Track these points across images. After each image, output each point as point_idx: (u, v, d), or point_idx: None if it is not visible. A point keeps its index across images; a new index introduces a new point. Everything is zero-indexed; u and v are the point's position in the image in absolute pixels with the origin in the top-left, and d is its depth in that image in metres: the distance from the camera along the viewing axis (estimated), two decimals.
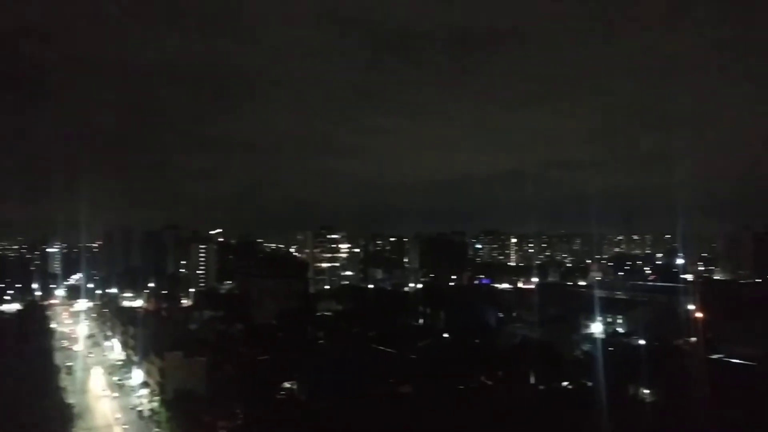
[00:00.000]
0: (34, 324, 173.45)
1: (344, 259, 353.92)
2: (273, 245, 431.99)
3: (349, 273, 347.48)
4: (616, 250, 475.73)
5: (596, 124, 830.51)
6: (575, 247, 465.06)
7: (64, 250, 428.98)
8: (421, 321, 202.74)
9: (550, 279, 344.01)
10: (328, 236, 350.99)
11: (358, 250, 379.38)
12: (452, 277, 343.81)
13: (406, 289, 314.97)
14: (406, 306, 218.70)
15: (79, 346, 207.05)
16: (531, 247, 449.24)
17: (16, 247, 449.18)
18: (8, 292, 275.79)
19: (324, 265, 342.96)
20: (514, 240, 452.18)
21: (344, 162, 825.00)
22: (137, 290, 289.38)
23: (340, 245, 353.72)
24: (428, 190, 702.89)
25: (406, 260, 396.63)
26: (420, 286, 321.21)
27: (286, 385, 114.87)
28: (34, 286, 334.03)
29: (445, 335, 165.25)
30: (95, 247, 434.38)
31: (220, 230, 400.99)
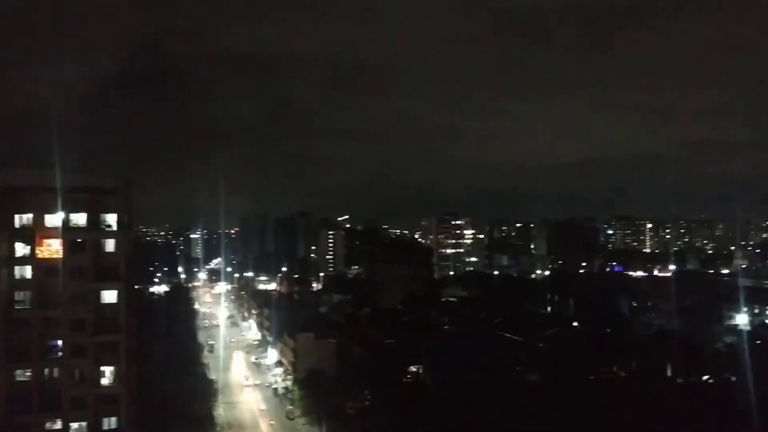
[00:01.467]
0: (180, 305, 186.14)
1: (468, 245, 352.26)
2: (397, 231, 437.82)
3: (473, 259, 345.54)
4: (765, 236, 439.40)
5: (735, 102, 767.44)
6: (717, 233, 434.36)
7: (205, 236, 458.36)
8: (548, 309, 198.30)
9: (689, 266, 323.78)
10: (453, 222, 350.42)
11: (482, 236, 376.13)
12: (582, 264, 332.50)
13: (532, 276, 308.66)
14: (533, 293, 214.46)
15: (220, 326, 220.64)
16: (668, 233, 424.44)
17: (163, 233, 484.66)
18: (157, 275, 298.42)
19: (448, 251, 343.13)
20: (649, 225, 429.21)
21: (469, 147, 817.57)
22: (271, 274, 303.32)
23: (464, 231, 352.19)
24: (555, 174, 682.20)
25: (532, 246, 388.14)
26: (547, 273, 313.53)
27: (412, 368, 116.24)
28: (179, 269, 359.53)
29: (575, 324, 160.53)
30: (233, 233, 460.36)
31: (347, 216, 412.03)
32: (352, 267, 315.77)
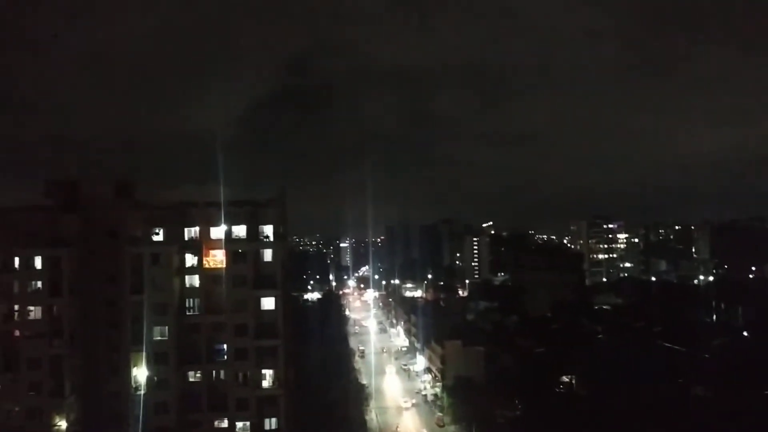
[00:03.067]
0: (332, 311, 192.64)
1: (622, 249, 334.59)
2: (544, 237, 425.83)
3: (627, 264, 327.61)
4: None
5: None
6: None
7: (353, 245, 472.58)
8: (714, 317, 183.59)
9: None
10: (604, 226, 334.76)
11: (637, 239, 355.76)
12: (750, 268, 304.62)
13: (694, 281, 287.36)
14: (695, 300, 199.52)
15: (369, 332, 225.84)
16: None
17: (314, 243, 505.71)
18: (310, 282, 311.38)
19: (600, 256, 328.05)
20: None
21: (620, 146, 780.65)
22: (417, 281, 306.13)
23: (617, 235, 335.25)
24: (718, 171, 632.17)
25: (693, 250, 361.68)
26: (711, 278, 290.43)
27: (565, 378, 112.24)
28: (330, 277, 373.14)
29: (745, 333, 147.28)
30: (379, 242, 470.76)
31: (491, 223, 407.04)
32: (498, 274, 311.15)
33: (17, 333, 67.57)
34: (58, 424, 66.20)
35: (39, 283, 67.07)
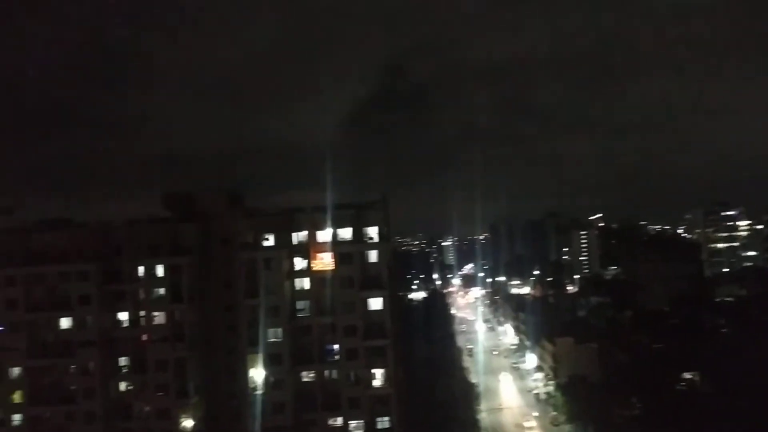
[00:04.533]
0: (438, 310, 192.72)
1: (744, 237, 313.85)
2: (657, 227, 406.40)
3: (751, 253, 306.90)
4: None
5: None
6: None
7: (457, 243, 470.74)
8: None
9: None
10: (723, 213, 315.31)
11: (761, 226, 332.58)
12: None
13: None
14: None
15: (476, 331, 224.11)
16: None
17: (417, 242, 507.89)
18: (414, 282, 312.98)
19: (719, 245, 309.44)
20: None
21: (732, 127, 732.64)
22: (523, 277, 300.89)
23: (737, 222, 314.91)
24: None
25: None
26: None
27: (686, 375, 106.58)
28: (434, 276, 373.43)
29: None
30: (482, 239, 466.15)
31: (600, 215, 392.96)
32: (609, 267, 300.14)
33: (144, 337, 72.03)
34: (184, 423, 69.95)
35: (162, 290, 71.15)
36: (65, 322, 72.31)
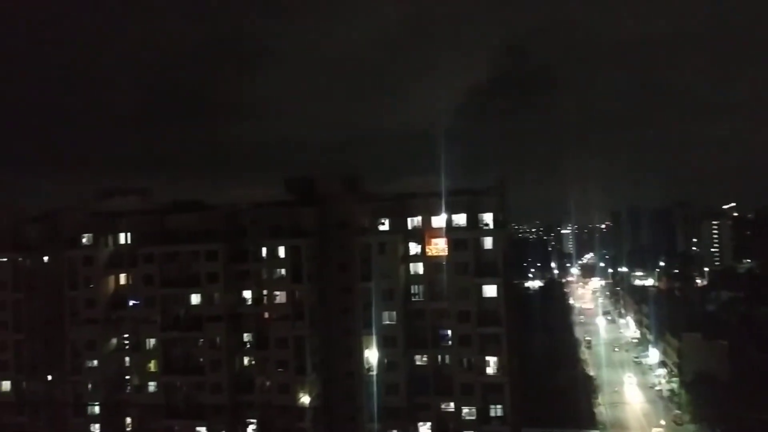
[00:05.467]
0: (555, 300, 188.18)
1: None
2: None
3: None
4: None
5: None
6: None
7: (576, 231, 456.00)
8: None
9: None
10: None
11: None
12: None
13: None
14: None
15: (595, 322, 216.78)
16: None
17: (534, 229, 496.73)
18: (531, 270, 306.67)
19: None
20: None
21: None
22: (647, 269, 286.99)
23: None
24: None
25: None
26: None
27: None
28: (552, 265, 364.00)
29: None
30: (604, 228, 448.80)
31: (733, 204, 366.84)
32: (743, 260, 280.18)
33: (266, 315, 75.48)
34: (303, 399, 72.80)
35: (282, 271, 74.14)
36: (195, 298, 77.18)
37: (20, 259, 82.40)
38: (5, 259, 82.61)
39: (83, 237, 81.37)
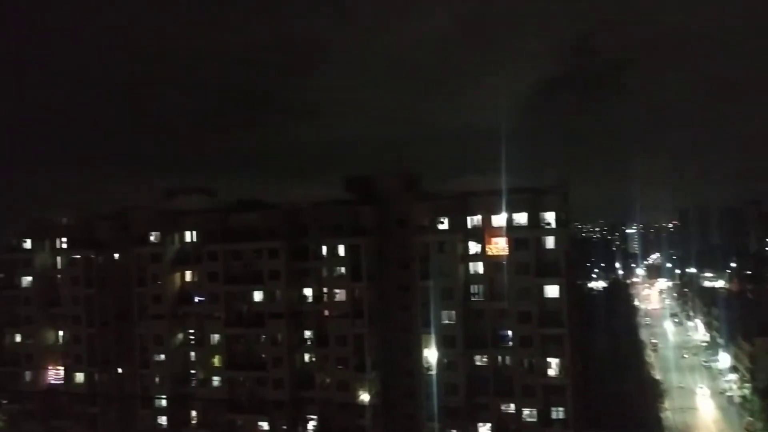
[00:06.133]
0: (619, 301, 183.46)
1: None
2: None
3: None
4: None
5: None
6: None
7: (642, 231, 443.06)
8: None
9: None
10: None
11: None
12: None
13: None
14: None
15: (662, 325, 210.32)
16: None
17: (597, 229, 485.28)
18: (594, 270, 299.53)
19: None
20: None
21: None
22: (717, 270, 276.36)
23: None
24: None
25: None
26: None
27: None
28: (616, 265, 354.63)
29: None
30: (671, 227, 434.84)
31: None
32: None
33: (326, 312, 76.23)
34: (362, 396, 73.17)
35: (342, 269, 74.71)
36: (257, 295, 78.63)
37: (92, 256, 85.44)
38: (78, 256, 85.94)
39: (151, 235, 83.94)
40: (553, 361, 69.27)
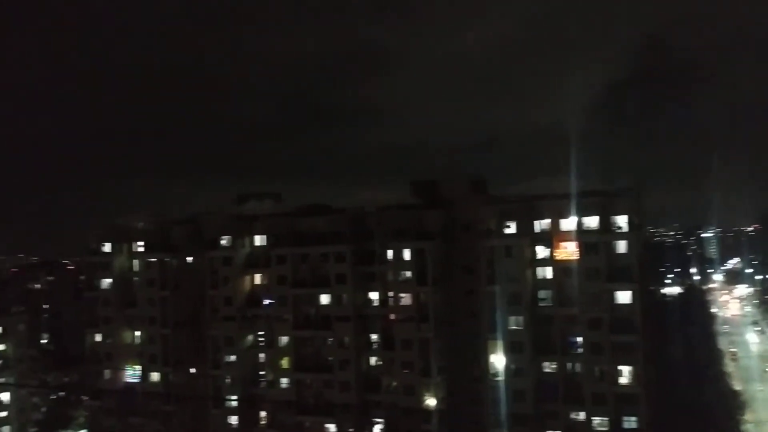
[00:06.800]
0: (695, 308, 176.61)
1: None
2: None
3: None
4: None
5: None
6: None
7: (719, 235, 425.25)
8: None
9: None
10: None
11: None
12: None
13: None
14: None
15: (742, 333, 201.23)
16: None
17: (672, 233, 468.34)
18: (668, 276, 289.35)
19: None
20: None
21: None
22: None
23: None
24: None
25: None
26: None
27: None
28: (692, 270, 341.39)
29: None
30: (751, 231, 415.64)
31: None
32: None
33: (392, 316, 76.44)
34: (428, 401, 72.96)
35: (408, 273, 74.80)
36: (324, 299, 79.68)
37: (167, 259, 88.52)
38: (154, 260, 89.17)
39: (222, 239, 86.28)
40: (625, 369, 67.36)
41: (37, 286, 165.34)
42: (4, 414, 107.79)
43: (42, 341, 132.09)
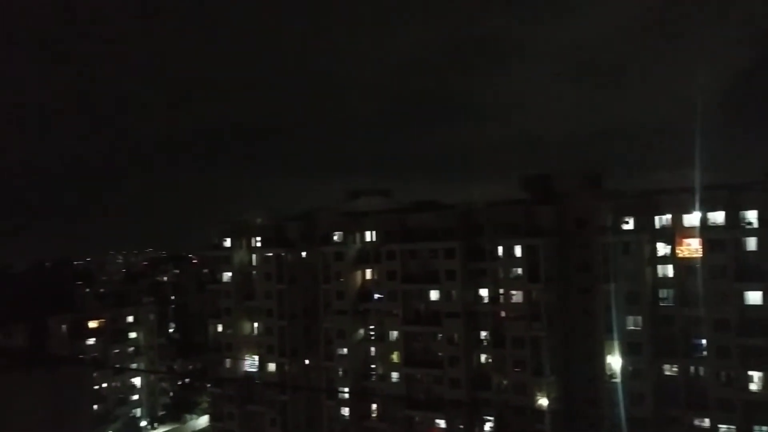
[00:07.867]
0: None
1: None
2: None
3: None
4: None
5: None
6: None
7: None
8: None
9: None
10: None
11: None
12: None
13: None
14: None
15: None
16: None
17: None
18: None
19: None
20: None
21: None
22: None
23: None
24: None
25: None
26: None
27: None
28: None
29: None
30: None
31: None
32: None
33: (502, 314, 75.36)
34: (540, 400, 71.34)
35: (519, 270, 73.43)
36: (434, 294, 79.75)
37: (283, 254, 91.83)
38: (271, 254, 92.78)
39: (335, 235, 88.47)
40: (755, 375, 62.88)
41: (165, 278, 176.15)
42: (135, 397, 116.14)
43: (169, 330, 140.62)
